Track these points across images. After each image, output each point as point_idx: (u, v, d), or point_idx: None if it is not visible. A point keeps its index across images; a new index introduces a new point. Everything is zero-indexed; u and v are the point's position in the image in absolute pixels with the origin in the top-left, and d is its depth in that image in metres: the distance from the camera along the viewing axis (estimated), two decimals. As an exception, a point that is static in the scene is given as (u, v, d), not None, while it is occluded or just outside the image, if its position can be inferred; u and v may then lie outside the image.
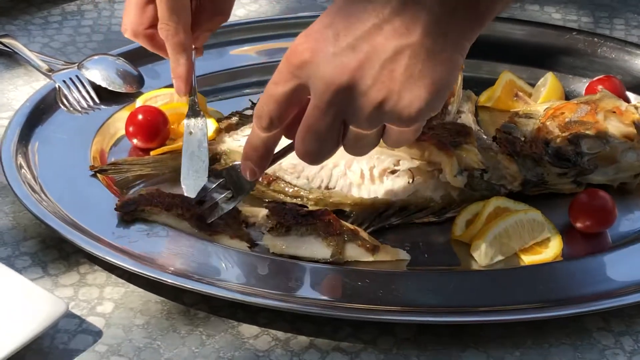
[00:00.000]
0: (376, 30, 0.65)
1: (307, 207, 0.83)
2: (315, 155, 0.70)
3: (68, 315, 0.73)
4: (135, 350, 0.71)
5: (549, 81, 0.99)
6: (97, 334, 0.73)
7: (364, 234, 0.79)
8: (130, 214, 0.81)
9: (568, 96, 1.00)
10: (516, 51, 1.06)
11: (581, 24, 1.16)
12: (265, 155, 0.72)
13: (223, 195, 0.79)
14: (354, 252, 0.78)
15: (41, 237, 0.82)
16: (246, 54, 1.08)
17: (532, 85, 1.01)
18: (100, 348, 0.72)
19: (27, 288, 0.73)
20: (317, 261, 0.77)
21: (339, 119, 0.67)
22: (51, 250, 0.81)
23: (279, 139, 0.71)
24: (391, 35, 0.65)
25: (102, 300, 0.76)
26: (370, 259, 0.79)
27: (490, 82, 1.01)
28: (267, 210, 0.80)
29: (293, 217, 0.79)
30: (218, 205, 0.79)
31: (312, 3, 1.18)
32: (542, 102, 0.96)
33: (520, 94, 0.99)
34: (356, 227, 0.80)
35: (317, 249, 0.78)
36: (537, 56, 1.06)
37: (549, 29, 1.09)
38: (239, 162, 0.75)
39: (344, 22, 0.66)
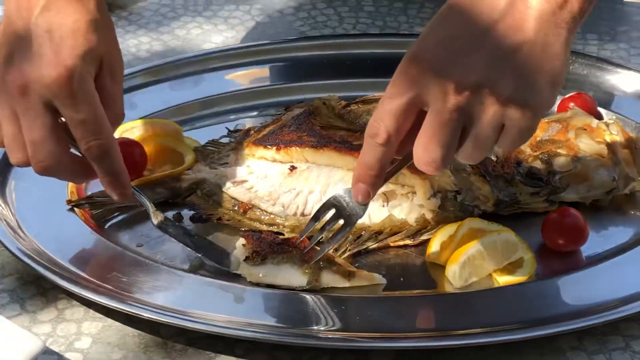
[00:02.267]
0: (490, 31, 0.66)
1: (283, 235, 0.82)
2: (440, 162, 0.69)
3: (46, 352, 0.73)
4: None
5: None
6: None
7: (339, 260, 0.79)
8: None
9: (544, 115, 0.99)
10: None
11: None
12: (380, 174, 0.72)
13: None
14: (329, 279, 0.78)
15: (19, 274, 0.82)
16: (221, 81, 1.07)
17: None
18: None
19: (4, 326, 0.72)
20: (294, 289, 0.77)
21: (461, 124, 0.68)
22: (29, 287, 0.81)
23: (393, 155, 0.71)
24: (506, 33, 0.66)
25: (80, 335, 0.76)
26: (347, 284, 0.79)
27: None
28: (243, 240, 0.80)
29: (269, 245, 0.79)
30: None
31: (289, 28, 1.18)
32: None
33: None
34: (331, 254, 0.80)
35: (294, 276, 0.78)
36: None
37: None
38: (345, 189, 0.75)
39: (456, 27, 0.68)
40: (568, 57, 0.70)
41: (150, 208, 0.83)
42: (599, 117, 0.96)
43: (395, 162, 0.75)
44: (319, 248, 0.79)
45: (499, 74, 0.67)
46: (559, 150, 0.89)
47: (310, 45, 1.12)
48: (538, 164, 0.89)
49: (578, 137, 0.90)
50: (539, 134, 0.91)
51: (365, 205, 0.76)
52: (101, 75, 0.76)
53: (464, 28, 0.69)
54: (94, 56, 0.75)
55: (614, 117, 0.98)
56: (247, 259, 0.79)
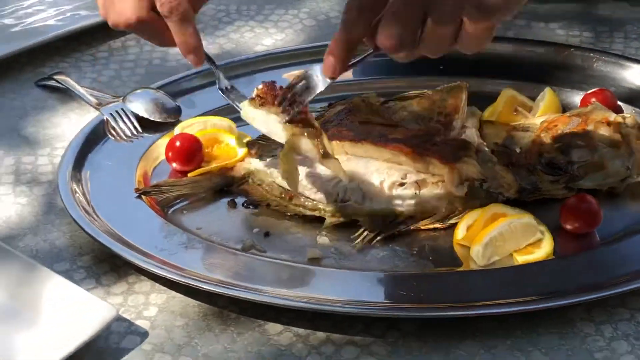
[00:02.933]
0: None
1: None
2: (398, 39, 0.72)
3: (119, 319, 0.78)
4: (176, 348, 0.77)
5: (546, 96, 1.01)
6: (143, 334, 0.78)
7: (325, 140, 0.84)
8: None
9: (565, 109, 1.01)
10: (518, 68, 1.08)
11: (583, 39, 1.18)
12: (349, 49, 0.75)
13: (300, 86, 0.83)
14: (306, 147, 0.85)
15: (94, 253, 0.87)
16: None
17: (534, 99, 1.02)
18: (146, 347, 0.77)
19: (83, 297, 0.79)
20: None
21: (421, 10, 0.70)
22: (103, 264, 0.86)
23: (363, 37, 0.74)
24: None
25: (148, 305, 0.81)
26: (317, 161, 0.86)
27: (494, 98, 1.02)
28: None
29: (274, 97, 0.85)
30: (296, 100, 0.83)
31: (334, 30, 1.19)
32: (539, 116, 0.98)
33: (520, 108, 1.00)
34: (321, 130, 0.85)
35: (276, 129, 0.85)
36: (537, 72, 1.08)
37: (549, 47, 1.11)
38: (316, 68, 0.80)
39: None
40: None
41: (219, 74, 0.92)
42: (619, 111, 0.98)
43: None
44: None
45: None
46: (578, 142, 0.92)
47: None
48: (558, 155, 0.92)
49: (596, 130, 0.92)
50: (561, 127, 0.94)
51: (331, 79, 0.79)
52: None
53: None
54: None
55: (633, 111, 1.00)
56: (251, 99, 0.87)
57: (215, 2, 1.30)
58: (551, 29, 1.21)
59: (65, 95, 1.11)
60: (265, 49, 1.19)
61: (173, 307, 0.82)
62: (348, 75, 1.06)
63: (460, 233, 0.87)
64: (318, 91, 0.81)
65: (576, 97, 1.04)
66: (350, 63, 0.77)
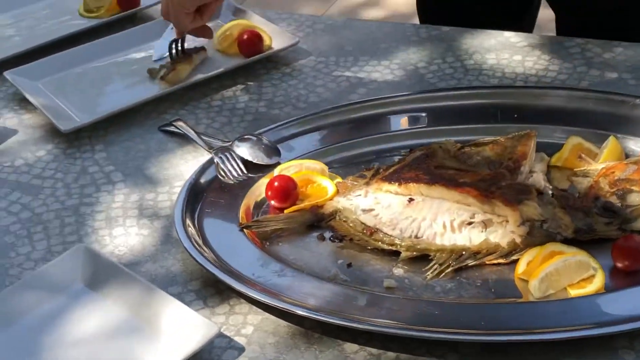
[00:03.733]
0: None
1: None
2: None
3: (220, 335, 0.87)
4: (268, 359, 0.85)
5: (610, 143, 1.04)
6: (240, 349, 0.86)
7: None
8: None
9: (627, 156, 1.04)
10: (585, 117, 1.10)
11: None
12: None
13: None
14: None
15: (203, 278, 0.94)
16: (362, 127, 1.15)
17: (599, 146, 1.05)
18: (244, 358, 0.85)
19: (191, 316, 0.88)
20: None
21: None
22: (209, 288, 0.93)
23: None
24: None
25: (245, 324, 0.89)
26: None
27: (562, 145, 1.06)
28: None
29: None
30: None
31: (421, 80, 1.25)
32: (601, 162, 1.01)
33: (584, 155, 1.03)
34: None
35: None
36: (603, 121, 1.09)
37: (615, 96, 1.12)
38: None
39: None
40: None
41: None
42: None
43: None
44: None
45: None
46: (632, 188, 0.96)
47: (437, 96, 1.19)
48: (614, 199, 0.96)
49: None
50: (618, 173, 0.98)
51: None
52: None
53: None
54: None
55: None
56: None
57: (315, 54, 1.35)
58: (623, 79, 1.21)
59: (183, 139, 1.18)
60: (359, 97, 1.23)
61: (266, 327, 0.89)
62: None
63: (520, 268, 0.91)
64: None
65: (638, 145, 1.07)
66: None
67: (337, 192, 1.04)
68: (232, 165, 1.10)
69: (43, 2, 1.55)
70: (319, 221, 1.02)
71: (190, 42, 1.35)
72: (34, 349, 0.90)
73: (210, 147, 1.14)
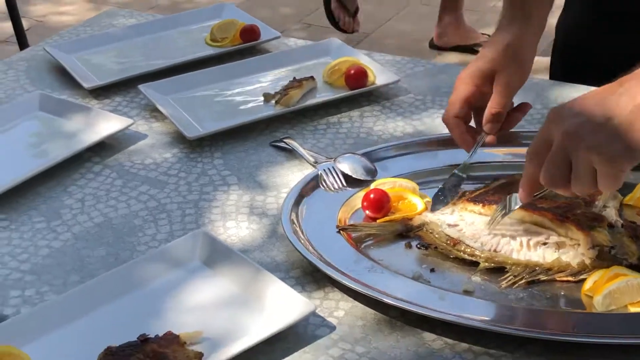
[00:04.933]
0: (591, 106, 0.85)
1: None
2: (550, 179, 0.89)
3: (315, 314, 0.95)
4: (355, 340, 0.92)
5: None
6: (332, 328, 0.94)
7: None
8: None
9: None
10: None
11: None
12: (531, 184, 0.94)
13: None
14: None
15: (303, 268, 1.02)
16: (452, 155, 1.21)
17: None
18: (333, 336, 0.93)
19: (292, 295, 0.96)
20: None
21: (567, 160, 0.86)
22: (308, 276, 1.01)
23: (536, 176, 0.91)
24: (602, 109, 0.84)
25: (337, 309, 0.97)
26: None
27: (635, 186, 1.11)
28: None
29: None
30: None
31: None
32: None
33: None
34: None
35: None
36: None
37: None
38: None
39: (586, 103, 0.87)
40: None
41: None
42: None
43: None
44: None
45: (590, 132, 0.84)
46: None
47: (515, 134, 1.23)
48: None
49: None
50: None
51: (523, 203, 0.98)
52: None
53: (591, 97, 0.87)
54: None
55: None
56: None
57: (414, 93, 1.45)
58: None
59: (290, 154, 1.27)
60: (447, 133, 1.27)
61: (356, 312, 0.96)
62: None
63: (587, 285, 0.97)
64: (514, 208, 1.01)
65: None
66: (535, 194, 0.96)
67: (426, 209, 1.12)
68: (334, 177, 1.18)
69: (176, 29, 1.71)
70: (407, 231, 1.08)
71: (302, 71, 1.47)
72: (154, 311, 1.00)
73: (314, 162, 1.23)
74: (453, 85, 1.31)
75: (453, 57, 3.41)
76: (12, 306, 1.03)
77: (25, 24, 3.18)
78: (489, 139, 1.12)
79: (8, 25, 3.21)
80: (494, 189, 1.13)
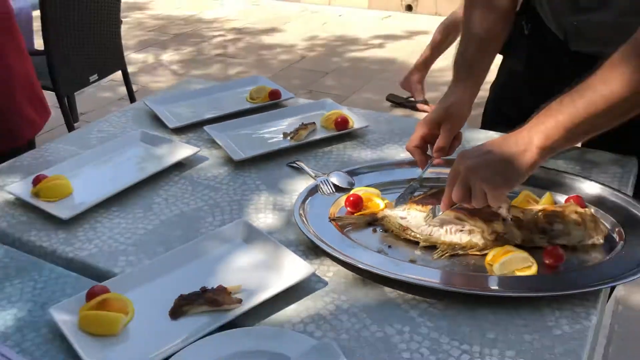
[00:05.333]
0: (491, 153, 0.85)
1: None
2: (459, 198, 0.89)
3: (314, 275, 0.92)
4: (340, 292, 0.90)
5: (546, 196, 1.06)
6: (325, 283, 0.92)
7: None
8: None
9: (556, 203, 1.04)
10: (534, 180, 1.05)
11: (576, 169, 1.19)
12: (450, 201, 0.92)
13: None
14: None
15: (306, 245, 0.99)
16: (403, 174, 1.16)
17: (539, 196, 1.06)
18: (326, 289, 0.90)
19: (300, 262, 0.93)
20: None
21: (468, 184, 0.87)
22: (311, 250, 0.98)
23: (450, 196, 0.90)
24: (495, 155, 0.84)
25: (329, 271, 0.94)
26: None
27: (518, 194, 1.05)
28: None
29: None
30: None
31: None
32: (541, 205, 1.02)
33: (531, 200, 1.06)
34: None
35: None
36: (543, 183, 1.10)
37: (551, 171, 1.12)
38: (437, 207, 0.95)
39: (484, 147, 0.87)
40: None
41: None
42: (584, 207, 1.01)
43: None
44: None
45: (482, 168, 0.85)
46: (557, 220, 0.97)
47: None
48: (546, 225, 0.97)
49: (569, 215, 0.97)
50: (549, 211, 0.99)
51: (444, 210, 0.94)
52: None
53: (485, 146, 0.87)
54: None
55: (593, 209, 1.03)
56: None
57: (378, 133, 1.39)
58: (556, 162, 1.22)
59: (300, 172, 1.22)
60: (398, 159, 1.26)
61: (340, 274, 0.94)
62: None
63: (489, 257, 0.94)
64: (438, 215, 0.98)
65: (562, 198, 1.08)
66: (451, 206, 0.94)
67: (386, 207, 1.06)
68: (327, 186, 1.14)
69: (227, 92, 1.67)
70: (374, 221, 1.04)
71: (307, 118, 1.43)
72: (211, 271, 0.97)
73: (315, 176, 1.18)
74: (404, 129, 1.32)
75: (400, 112, 3.39)
76: (119, 267, 1.00)
77: (134, 87, 3.18)
78: (436, 161, 1.09)
79: (123, 89, 3.22)
80: (430, 195, 1.09)
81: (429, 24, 5.13)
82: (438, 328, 0.83)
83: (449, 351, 0.80)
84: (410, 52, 4.56)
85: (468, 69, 1.11)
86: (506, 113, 1.33)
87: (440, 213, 0.99)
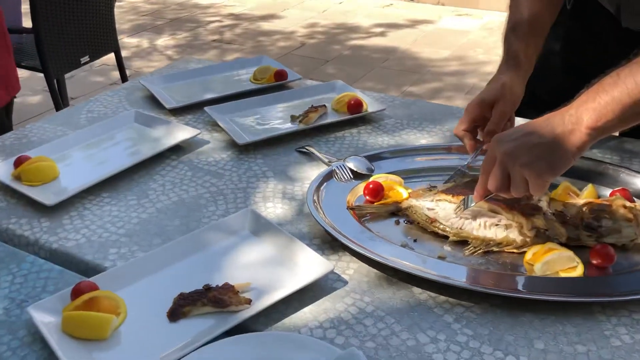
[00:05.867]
0: (526, 132, 0.77)
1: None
2: (496, 187, 0.80)
3: (333, 272, 0.84)
4: (362, 291, 0.82)
5: (589, 188, 0.98)
6: (345, 282, 0.83)
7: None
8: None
9: (599, 197, 0.98)
10: (574, 171, 0.95)
11: (614, 159, 1.12)
12: (483, 191, 0.84)
13: None
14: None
15: (321, 237, 0.91)
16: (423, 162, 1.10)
17: (581, 189, 0.99)
18: (347, 289, 0.82)
19: (316, 257, 0.84)
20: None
21: (506, 171, 0.78)
22: (326, 244, 0.90)
23: (485, 183, 0.82)
24: (537, 138, 0.75)
25: (349, 268, 0.86)
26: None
27: (557, 186, 0.98)
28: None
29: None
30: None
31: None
32: (583, 199, 0.95)
33: (571, 193, 0.98)
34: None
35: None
36: (585, 175, 1.03)
37: (592, 161, 1.05)
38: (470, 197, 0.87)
39: (522, 128, 0.79)
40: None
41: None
42: (632, 202, 0.94)
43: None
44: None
45: (523, 153, 0.76)
46: (605, 216, 0.90)
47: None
48: (593, 222, 0.90)
49: (617, 210, 0.90)
50: (595, 206, 0.92)
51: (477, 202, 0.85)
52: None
53: (524, 127, 0.78)
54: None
55: None
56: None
57: (395, 118, 1.31)
58: (592, 152, 1.15)
59: (310, 157, 1.15)
60: (421, 144, 1.18)
61: (362, 271, 0.86)
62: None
63: (528, 256, 0.86)
64: (471, 207, 0.90)
65: (607, 191, 1.00)
66: (485, 197, 0.86)
67: (409, 197, 0.98)
68: (344, 172, 1.06)
69: (229, 72, 1.57)
70: (397, 211, 0.97)
71: (317, 101, 1.34)
72: (215, 267, 0.87)
73: (328, 162, 1.11)
74: (423, 114, 1.22)
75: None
76: (110, 260, 0.90)
77: (127, 72, 3.07)
78: (485, 146, 1.01)
79: (116, 73, 3.15)
80: (462, 184, 0.99)
81: (431, 13, 5.05)
82: (478, 336, 0.74)
83: (492, 364, 0.70)
84: (412, 41, 4.46)
85: (523, 46, 1.03)
86: (540, 96, 1.23)
87: (473, 204, 0.89)
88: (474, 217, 0.92)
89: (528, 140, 0.76)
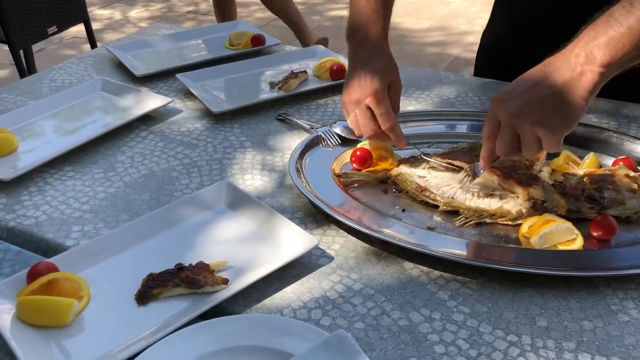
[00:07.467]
0: (528, 87, 0.70)
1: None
2: (506, 151, 0.74)
3: (317, 247, 0.79)
4: (349, 268, 0.76)
5: (590, 157, 0.94)
6: (331, 258, 0.78)
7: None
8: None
9: (601, 166, 0.93)
10: (574, 139, 0.95)
11: (611, 125, 1.07)
12: (490, 156, 0.77)
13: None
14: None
15: (305, 210, 0.86)
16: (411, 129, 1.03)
17: (581, 158, 0.94)
18: (332, 265, 0.77)
19: (299, 232, 0.79)
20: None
21: (515, 133, 0.71)
22: (309, 217, 0.85)
23: (493, 149, 0.76)
24: (545, 90, 0.68)
25: (334, 243, 0.81)
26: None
27: (559, 155, 0.94)
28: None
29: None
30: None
31: (450, 106, 1.14)
32: (584, 168, 0.92)
33: (571, 163, 0.94)
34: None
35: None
36: (587, 143, 0.98)
37: (593, 128, 1.00)
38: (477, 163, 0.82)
39: (522, 81, 0.71)
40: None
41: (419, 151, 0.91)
42: (636, 171, 0.90)
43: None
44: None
45: (531, 109, 0.69)
46: (608, 186, 0.86)
47: (465, 113, 1.07)
48: (595, 192, 0.85)
49: (620, 180, 0.86)
50: (597, 175, 0.87)
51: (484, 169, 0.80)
52: (390, 91, 0.88)
53: (525, 81, 0.71)
54: (387, 81, 0.87)
55: None
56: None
57: None
58: (588, 117, 1.10)
59: (290, 126, 1.09)
60: (408, 111, 1.11)
61: (348, 245, 0.81)
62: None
63: (524, 228, 0.81)
64: (480, 174, 0.84)
65: (609, 160, 0.95)
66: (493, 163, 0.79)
67: (399, 162, 0.94)
68: (331, 138, 1.01)
69: (203, 37, 1.49)
70: (387, 179, 0.92)
71: (297, 67, 1.27)
72: (188, 244, 0.81)
73: (310, 128, 1.05)
74: (409, 80, 1.18)
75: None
76: (73, 239, 0.83)
77: (98, 45, 2.94)
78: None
79: (87, 46, 3.06)
80: (459, 150, 0.95)
81: (414, -18, 4.94)
82: (476, 314, 0.70)
83: (493, 343, 0.66)
84: (393, 13, 4.35)
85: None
86: (520, 18, 1.14)
87: (482, 172, 0.83)
88: (466, 188, 0.87)
89: (533, 95, 0.69)
